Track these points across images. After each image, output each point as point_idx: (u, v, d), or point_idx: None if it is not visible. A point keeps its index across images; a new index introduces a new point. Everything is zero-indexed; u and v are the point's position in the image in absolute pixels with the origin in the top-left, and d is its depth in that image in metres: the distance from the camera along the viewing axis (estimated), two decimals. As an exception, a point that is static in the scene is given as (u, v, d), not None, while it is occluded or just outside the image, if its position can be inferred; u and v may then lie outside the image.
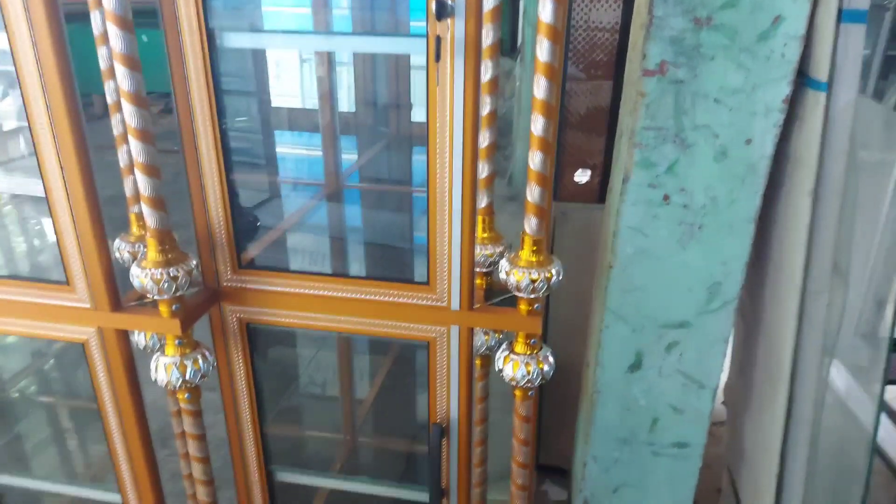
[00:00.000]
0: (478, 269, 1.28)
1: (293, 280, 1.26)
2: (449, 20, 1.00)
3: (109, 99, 1.26)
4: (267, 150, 2.04)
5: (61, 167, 1.11)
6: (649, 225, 1.46)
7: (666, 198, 1.43)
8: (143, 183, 1.07)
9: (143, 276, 1.12)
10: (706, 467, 1.74)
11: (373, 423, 2.43)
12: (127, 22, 0.97)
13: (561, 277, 1.16)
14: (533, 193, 1.08)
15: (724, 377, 1.86)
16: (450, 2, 0.99)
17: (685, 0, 1.27)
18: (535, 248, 1.12)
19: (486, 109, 1.18)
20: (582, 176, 2.13)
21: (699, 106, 1.35)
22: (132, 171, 1.13)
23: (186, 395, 1.24)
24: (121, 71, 0.98)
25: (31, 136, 1.10)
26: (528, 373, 1.20)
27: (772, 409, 1.59)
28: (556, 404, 2.34)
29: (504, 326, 1.24)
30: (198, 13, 1.07)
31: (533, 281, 1.12)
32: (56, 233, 1.18)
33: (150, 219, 1.10)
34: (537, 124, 1.02)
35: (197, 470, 1.34)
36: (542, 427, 2.40)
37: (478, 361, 1.40)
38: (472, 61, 1.03)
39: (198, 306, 1.24)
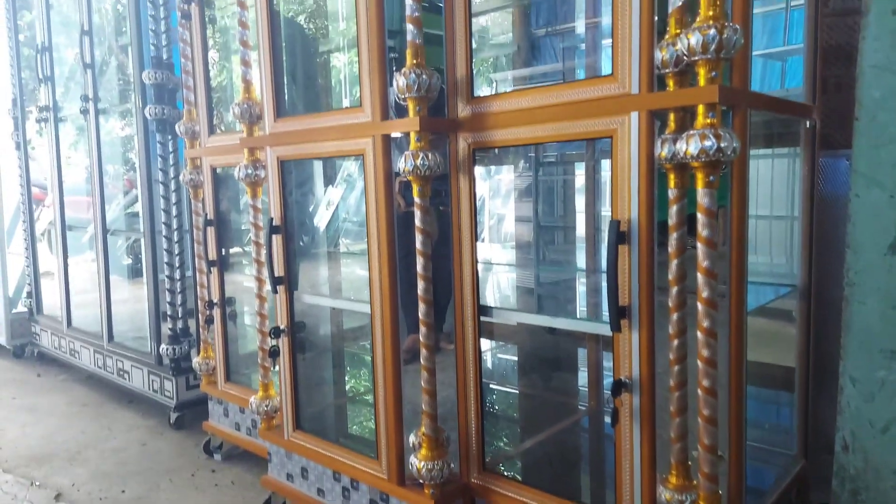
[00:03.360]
0: (668, 70, 1.32)
1: (506, 99, 1.51)
2: None
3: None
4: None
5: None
6: (900, 59, 1.28)
7: (917, 21, 1.26)
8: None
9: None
10: None
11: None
12: None
13: (738, 36, 1.15)
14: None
15: None
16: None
17: None
18: (712, 5, 1.16)
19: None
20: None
21: None
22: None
23: (419, 188, 1.56)
24: None
25: None
26: (704, 145, 1.18)
27: None
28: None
29: (681, 101, 1.24)
30: None
31: (704, 35, 1.15)
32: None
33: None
34: None
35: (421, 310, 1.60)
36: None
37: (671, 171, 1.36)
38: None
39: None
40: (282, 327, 2.01)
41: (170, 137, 2.91)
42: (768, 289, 1.82)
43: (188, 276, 2.93)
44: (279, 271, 1.99)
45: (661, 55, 1.31)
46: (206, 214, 2.52)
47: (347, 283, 2.69)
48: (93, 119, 3.31)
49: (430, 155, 1.54)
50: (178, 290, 2.96)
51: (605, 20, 2.39)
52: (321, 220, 3.24)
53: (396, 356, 1.73)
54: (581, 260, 2.42)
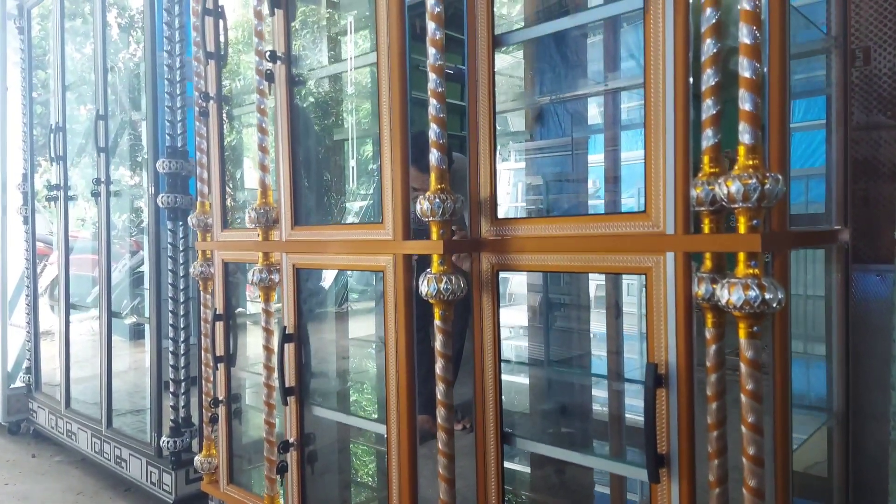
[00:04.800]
0: (703, 208, 1.29)
1: (531, 224, 1.47)
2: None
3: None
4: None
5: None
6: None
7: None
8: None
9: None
10: None
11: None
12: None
13: (780, 186, 1.12)
14: (744, 102, 1.14)
15: None
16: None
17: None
18: (750, 155, 1.14)
19: (710, 51, 1.29)
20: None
21: None
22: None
23: (441, 312, 1.51)
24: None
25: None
26: (748, 296, 1.13)
27: None
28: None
29: (721, 247, 1.20)
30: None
31: (745, 184, 1.12)
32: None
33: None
34: (742, 35, 1.13)
35: (440, 390, 1.53)
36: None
37: (708, 310, 1.33)
38: (682, 5, 1.22)
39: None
40: (291, 441, 1.92)
41: (181, 224, 2.88)
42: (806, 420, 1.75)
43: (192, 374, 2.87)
44: (290, 381, 1.92)
45: (695, 193, 1.27)
46: (216, 309, 2.46)
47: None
48: (104, 202, 3.30)
49: (453, 279, 1.49)
50: (182, 383, 2.88)
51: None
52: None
53: (413, 483, 1.64)
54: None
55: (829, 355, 1.76)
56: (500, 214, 1.56)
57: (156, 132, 2.91)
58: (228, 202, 2.58)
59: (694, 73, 1.26)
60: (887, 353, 1.40)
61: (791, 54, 1.45)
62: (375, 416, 2.32)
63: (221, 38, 2.42)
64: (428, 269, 1.53)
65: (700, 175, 1.28)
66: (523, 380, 2.65)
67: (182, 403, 2.92)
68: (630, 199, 2.38)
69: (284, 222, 1.93)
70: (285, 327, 1.91)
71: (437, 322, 1.52)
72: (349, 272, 3.04)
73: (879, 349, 1.75)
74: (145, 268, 3.08)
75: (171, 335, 2.87)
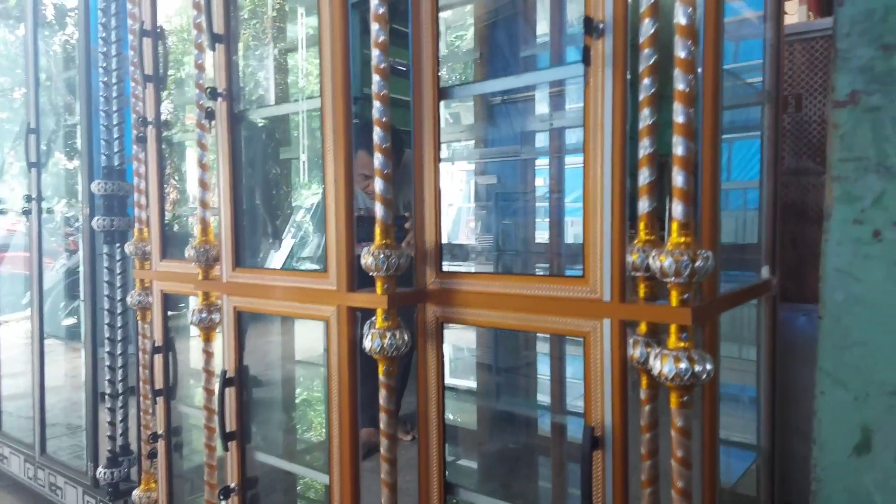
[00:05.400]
0: (639, 273, 1.33)
1: (475, 280, 1.48)
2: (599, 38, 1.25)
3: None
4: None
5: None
6: (860, 267, 1.32)
7: (877, 234, 1.30)
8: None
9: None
10: None
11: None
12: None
13: (710, 263, 1.17)
14: (677, 179, 1.17)
15: None
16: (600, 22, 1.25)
17: (870, 29, 1.29)
18: (682, 231, 1.18)
19: (647, 121, 1.33)
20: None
21: (902, 130, 1.27)
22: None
23: (385, 368, 1.50)
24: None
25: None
26: (679, 368, 1.17)
27: None
28: None
29: (654, 318, 1.24)
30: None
31: (677, 261, 1.16)
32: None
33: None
34: (677, 114, 1.16)
35: (384, 447, 1.53)
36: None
37: (643, 378, 1.37)
38: (620, 73, 1.25)
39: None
40: (232, 486, 1.89)
41: (118, 247, 2.79)
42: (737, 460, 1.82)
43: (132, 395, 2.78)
44: (231, 425, 1.88)
45: (631, 259, 1.31)
46: (154, 341, 2.39)
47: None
48: (35, 219, 3.16)
49: (397, 334, 1.49)
50: (119, 410, 2.80)
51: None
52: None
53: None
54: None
55: (759, 397, 1.84)
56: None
57: (90, 151, 2.80)
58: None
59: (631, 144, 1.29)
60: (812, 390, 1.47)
61: (725, 106, 1.50)
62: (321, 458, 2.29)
63: (161, 60, 2.34)
64: (372, 322, 1.53)
65: (636, 241, 1.31)
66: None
67: (119, 431, 2.84)
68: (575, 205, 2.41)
69: (225, 263, 1.89)
70: (225, 371, 1.87)
71: (381, 377, 1.51)
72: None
73: (807, 385, 1.83)
74: (81, 289, 2.98)
75: (107, 349, 2.77)
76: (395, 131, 1.55)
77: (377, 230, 1.50)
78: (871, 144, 1.31)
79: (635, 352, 1.31)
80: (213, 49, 1.81)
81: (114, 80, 2.71)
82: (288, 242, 3.23)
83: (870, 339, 1.33)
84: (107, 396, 2.80)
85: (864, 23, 1.30)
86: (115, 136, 2.74)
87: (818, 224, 2.01)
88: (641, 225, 1.33)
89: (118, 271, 2.78)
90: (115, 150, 2.74)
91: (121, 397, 2.80)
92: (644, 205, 1.33)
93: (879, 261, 1.31)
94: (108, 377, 2.79)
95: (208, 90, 1.81)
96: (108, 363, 2.78)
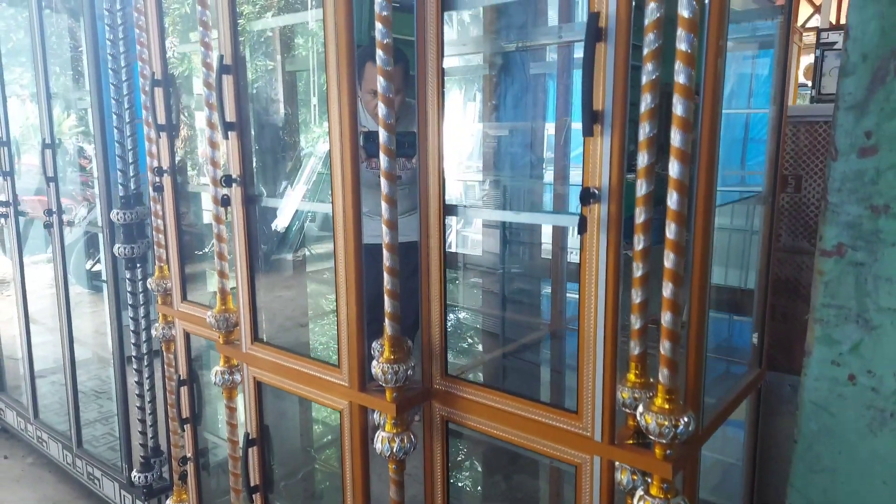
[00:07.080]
0: (629, 411, 1.44)
1: (477, 391, 1.60)
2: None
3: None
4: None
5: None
6: (835, 403, 1.42)
7: (851, 378, 1.40)
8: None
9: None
10: None
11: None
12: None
13: (691, 429, 1.27)
14: (665, 347, 1.26)
15: None
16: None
17: (860, 189, 1.33)
18: (668, 396, 1.28)
19: (639, 272, 1.40)
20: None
21: (882, 289, 1.33)
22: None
23: (394, 467, 1.65)
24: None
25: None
26: (659, 515, 1.31)
27: None
28: None
29: (639, 465, 1.36)
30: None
31: (660, 426, 1.27)
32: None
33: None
34: (668, 259, 1.23)
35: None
36: None
37: (628, 499, 1.51)
38: (615, 237, 1.31)
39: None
40: (257, 534, 2.09)
41: (139, 266, 2.91)
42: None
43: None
44: (255, 480, 2.06)
45: (621, 397, 1.42)
46: (180, 375, 2.55)
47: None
48: (56, 233, 3.27)
49: (405, 438, 1.63)
50: (150, 416, 3.01)
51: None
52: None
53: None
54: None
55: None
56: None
57: (107, 180, 2.87)
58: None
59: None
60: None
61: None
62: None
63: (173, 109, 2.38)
64: (382, 426, 1.66)
65: (626, 382, 1.41)
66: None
67: (150, 434, 3.06)
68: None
69: (244, 335, 2.01)
70: (248, 433, 2.03)
71: (390, 475, 1.66)
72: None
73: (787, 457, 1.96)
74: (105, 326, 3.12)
75: (134, 367, 2.96)
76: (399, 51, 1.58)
77: (385, 345, 1.60)
78: (853, 296, 1.38)
79: (622, 479, 1.44)
80: (227, 138, 1.86)
81: (125, 105, 2.74)
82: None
83: (838, 468, 1.45)
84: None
85: (855, 181, 1.34)
86: (130, 160, 2.80)
87: (808, 302, 2.08)
88: (632, 365, 1.43)
89: (140, 291, 2.92)
90: (131, 174, 2.81)
91: (150, 415, 3.00)
92: (635, 348, 1.43)
93: (852, 401, 1.41)
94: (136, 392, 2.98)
95: (222, 179, 1.87)
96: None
